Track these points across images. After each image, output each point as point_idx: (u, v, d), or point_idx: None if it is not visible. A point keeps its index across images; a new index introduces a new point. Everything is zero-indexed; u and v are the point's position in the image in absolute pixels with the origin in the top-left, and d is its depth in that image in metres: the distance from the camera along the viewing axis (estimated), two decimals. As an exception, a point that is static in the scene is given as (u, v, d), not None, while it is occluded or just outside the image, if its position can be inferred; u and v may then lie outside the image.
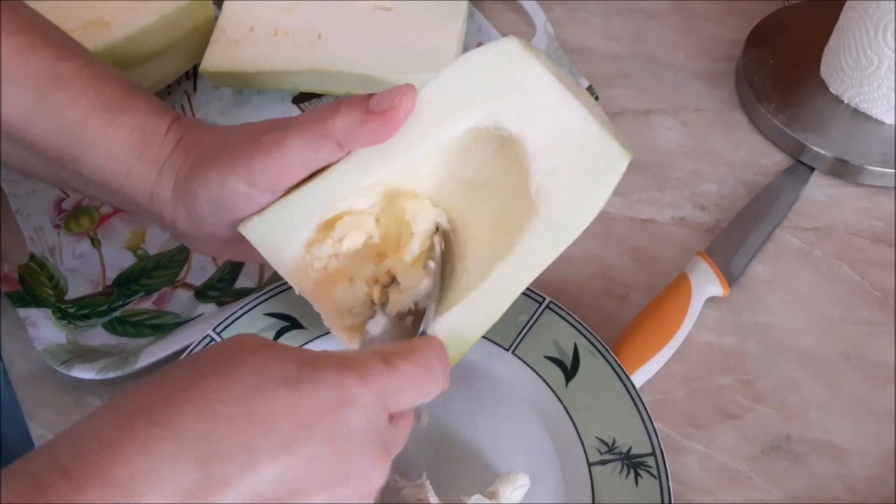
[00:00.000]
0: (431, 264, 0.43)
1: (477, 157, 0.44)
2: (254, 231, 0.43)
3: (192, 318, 0.53)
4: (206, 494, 0.28)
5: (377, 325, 0.42)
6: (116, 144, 0.43)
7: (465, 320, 0.43)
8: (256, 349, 0.33)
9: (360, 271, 0.44)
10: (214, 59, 0.61)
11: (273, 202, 0.42)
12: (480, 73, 0.42)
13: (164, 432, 0.29)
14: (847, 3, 0.61)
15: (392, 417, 0.35)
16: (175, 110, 0.46)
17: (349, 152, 0.42)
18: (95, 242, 0.57)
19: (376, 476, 0.33)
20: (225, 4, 0.64)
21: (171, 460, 0.29)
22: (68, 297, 0.54)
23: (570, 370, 0.49)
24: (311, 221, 0.43)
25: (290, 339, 0.51)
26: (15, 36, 0.43)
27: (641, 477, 0.45)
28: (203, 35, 0.63)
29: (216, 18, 0.63)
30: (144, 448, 0.29)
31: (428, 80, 0.42)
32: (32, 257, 0.56)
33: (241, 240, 0.44)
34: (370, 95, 0.41)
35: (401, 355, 0.35)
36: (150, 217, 0.46)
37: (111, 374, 0.49)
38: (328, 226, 0.43)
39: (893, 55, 0.59)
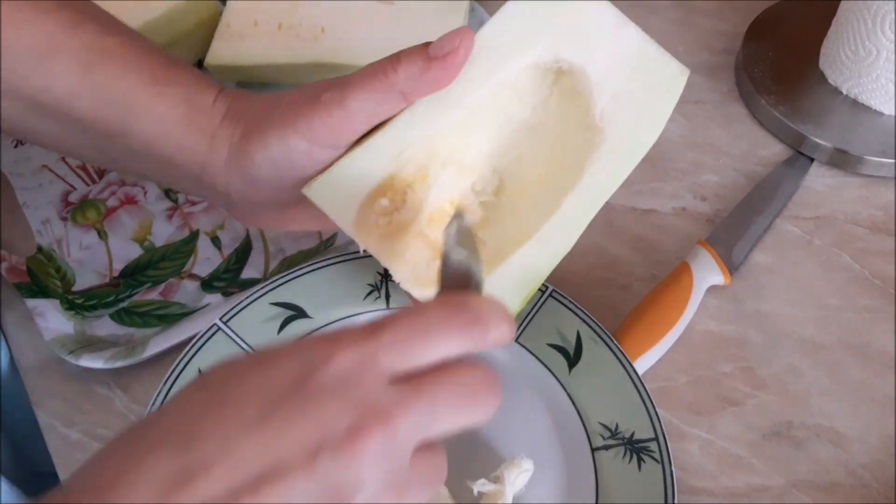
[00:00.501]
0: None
1: (534, 96, 0.44)
2: (319, 191, 0.42)
3: (199, 309, 0.54)
4: (188, 480, 0.28)
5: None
6: (164, 117, 0.43)
7: (538, 254, 0.43)
8: (231, 362, 0.32)
9: (423, 225, 0.44)
10: (219, 53, 0.62)
11: (336, 160, 0.42)
12: (535, 9, 0.42)
13: (141, 433, 0.30)
14: (845, -6, 0.62)
15: (399, 380, 0.31)
16: (217, 83, 0.45)
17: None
18: (102, 234, 0.58)
19: (371, 434, 0.29)
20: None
21: (149, 455, 0.28)
22: (75, 288, 0.55)
23: (573, 357, 0.50)
24: (377, 176, 0.42)
25: (296, 328, 0.51)
26: (61, 12, 0.43)
27: (644, 462, 0.46)
28: (208, 29, 0.63)
29: (221, 13, 0.64)
30: (124, 451, 0.29)
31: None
32: (40, 249, 0.56)
33: (297, 205, 0.43)
34: (428, 44, 0.40)
35: (397, 315, 0.31)
36: (200, 189, 0.45)
37: (119, 363, 0.50)
38: (391, 182, 0.43)
39: (892, 46, 0.59)
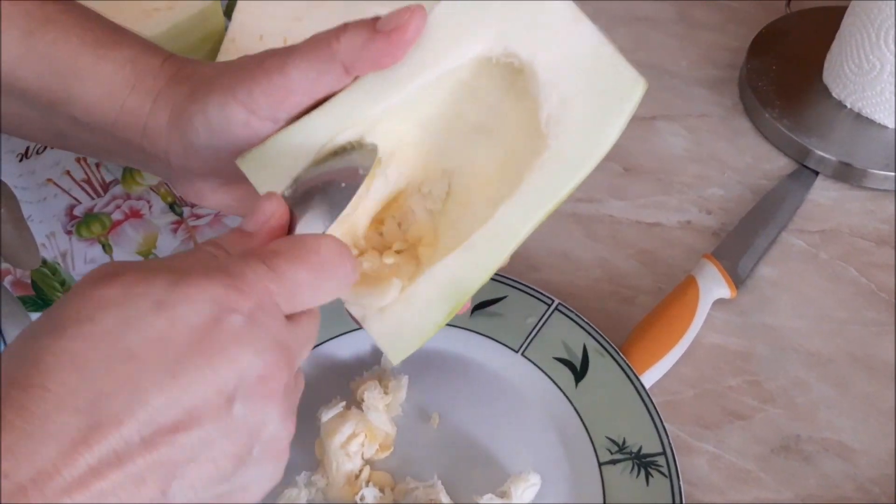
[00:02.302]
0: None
1: (487, 97, 0.41)
2: (251, 164, 0.39)
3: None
4: (99, 437, 0.27)
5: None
6: (108, 79, 0.41)
7: (465, 265, 0.39)
8: (111, 280, 0.30)
9: (358, 216, 0.41)
10: (224, 67, 0.62)
11: (273, 133, 0.39)
12: None
13: (40, 392, 0.27)
14: (849, 8, 0.62)
15: (291, 318, 0.32)
16: (165, 50, 0.43)
17: (355, 79, 0.39)
18: (107, 248, 0.58)
19: (278, 377, 0.30)
20: (235, 14, 0.64)
21: (54, 416, 0.27)
22: (80, 301, 0.55)
23: (579, 371, 0.50)
24: (312, 153, 0.39)
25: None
26: None
27: (652, 476, 0.45)
28: (213, 44, 0.63)
29: (226, 28, 0.64)
30: (24, 411, 0.27)
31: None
32: (44, 262, 0.56)
33: (236, 181, 0.41)
34: (377, 17, 0.38)
35: (287, 257, 0.32)
36: (142, 157, 0.43)
37: (124, 377, 0.49)
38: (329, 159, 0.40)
39: (895, 60, 0.59)
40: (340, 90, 0.39)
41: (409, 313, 0.39)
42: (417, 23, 0.38)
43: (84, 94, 0.41)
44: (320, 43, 0.38)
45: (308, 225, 0.36)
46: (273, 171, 0.39)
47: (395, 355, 0.40)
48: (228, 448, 0.29)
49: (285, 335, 0.31)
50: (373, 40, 0.38)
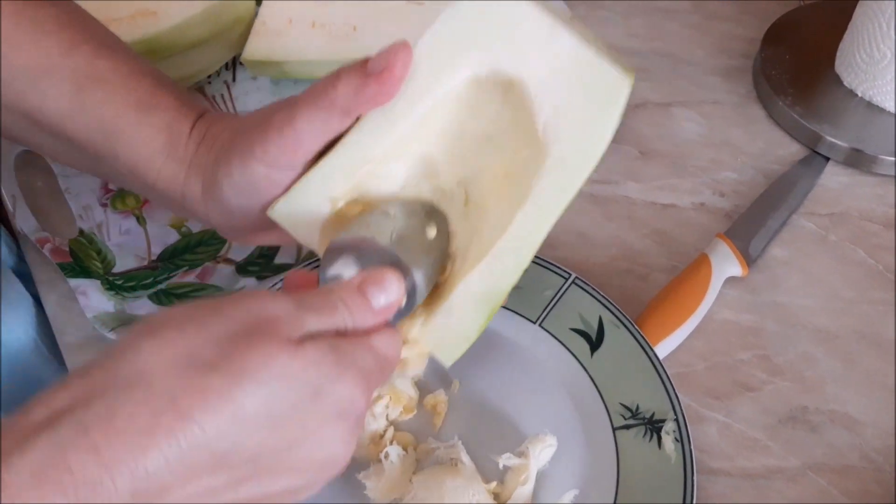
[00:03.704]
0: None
1: (486, 109, 0.43)
2: (281, 213, 0.43)
3: (234, 291, 0.56)
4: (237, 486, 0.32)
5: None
6: (147, 144, 0.44)
7: (494, 273, 0.42)
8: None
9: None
10: (255, 49, 0.64)
11: (295, 181, 0.42)
12: (470, 19, 0.41)
13: (193, 427, 0.30)
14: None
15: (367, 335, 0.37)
16: (201, 104, 0.46)
17: (358, 118, 0.42)
18: (141, 220, 0.60)
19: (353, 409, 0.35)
20: (265, -2, 0.67)
21: (194, 453, 0.30)
22: (115, 270, 0.57)
23: (595, 341, 0.52)
24: (334, 193, 0.43)
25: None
26: (60, 33, 0.44)
27: (664, 441, 0.47)
28: (244, 27, 0.66)
29: (257, 11, 0.67)
30: (172, 437, 0.30)
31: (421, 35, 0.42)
32: (81, 233, 0.59)
33: (274, 225, 0.44)
34: (367, 60, 0.40)
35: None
36: (184, 213, 0.47)
37: (158, 341, 0.52)
38: (351, 200, 0.43)
39: (906, 49, 0.61)
40: (348, 129, 0.42)
41: (452, 322, 0.43)
42: (404, 59, 0.40)
43: (127, 155, 0.44)
44: (319, 93, 0.41)
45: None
46: (303, 216, 0.43)
47: (446, 358, 0.44)
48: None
49: (366, 363, 0.36)
50: (366, 84, 0.40)
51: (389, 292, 0.38)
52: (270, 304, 0.34)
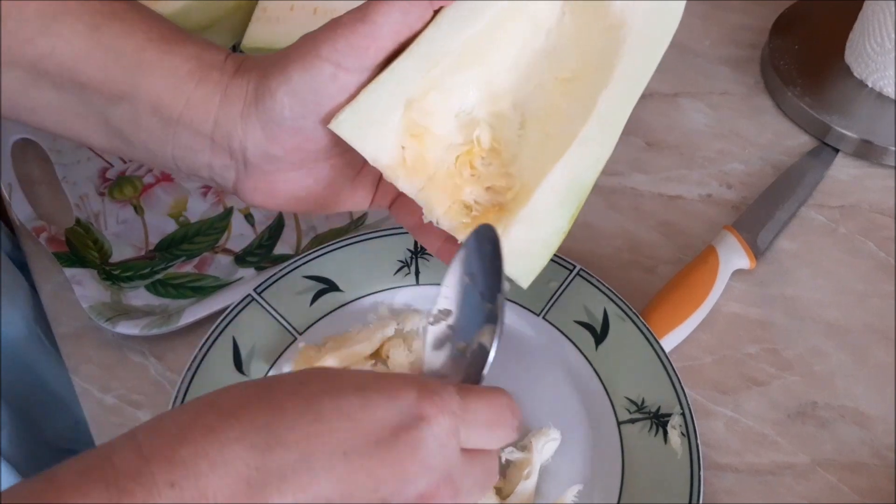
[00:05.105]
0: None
1: (548, 20, 0.43)
2: (346, 124, 0.39)
3: (233, 282, 0.55)
4: (262, 486, 0.29)
5: (436, 359, 0.40)
6: (173, 72, 0.41)
7: (579, 161, 0.41)
8: (328, 370, 0.34)
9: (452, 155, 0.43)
10: (255, 35, 0.63)
11: (362, 87, 0.39)
12: None
13: (231, 420, 0.30)
14: (872, -12, 0.63)
15: (465, 452, 0.34)
16: (227, 49, 0.43)
17: (436, 13, 0.40)
18: (138, 210, 0.59)
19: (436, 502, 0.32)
20: (265, -16, 0.66)
21: (233, 445, 0.29)
22: (112, 259, 0.56)
23: (599, 334, 0.51)
24: (406, 99, 0.40)
25: (327, 301, 0.52)
26: None
27: (670, 435, 0.46)
28: (245, 13, 0.65)
29: (257, -2, 0.66)
30: (210, 432, 0.30)
31: None
32: (78, 222, 0.58)
33: (318, 161, 0.41)
34: None
35: (476, 394, 0.35)
36: (206, 157, 0.42)
37: (154, 331, 0.51)
38: (418, 110, 0.41)
39: (918, 38, 0.60)
40: (421, 30, 0.39)
41: (531, 230, 0.41)
42: None
43: (150, 87, 0.41)
44: None
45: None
46: (372, 125, 0.39)
47: (524, 278, 0.41)
48: None
49: (457, 465, 0.33)
50: None
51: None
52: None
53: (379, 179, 0.45)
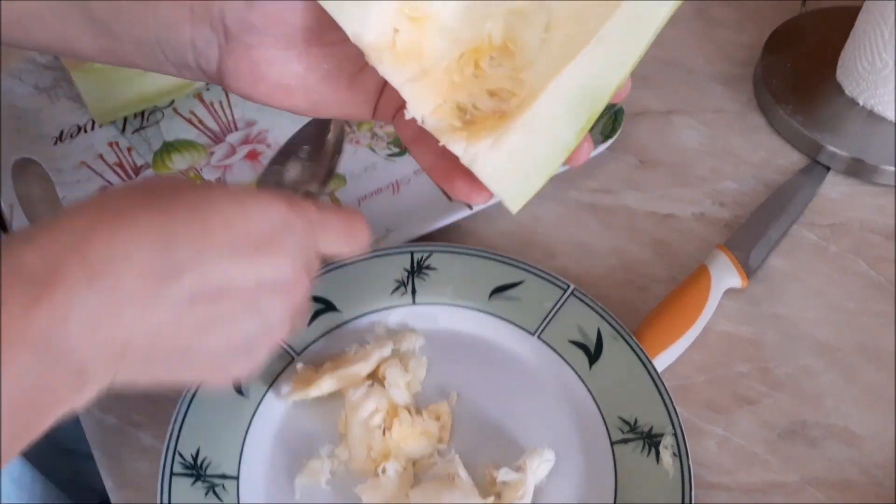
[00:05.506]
0: None
1: None
2: None
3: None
4: (165, 279, 0.33)
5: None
6: None
7: (598, 62, 0.34)
8: (191, 183, 0.38)
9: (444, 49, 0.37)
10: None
11: None
12: None
13: (130, 222, 0.33)
14: (863, 7, 0.64)
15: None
16: None
17: None
18: (138, 229, 0.60)
19: (298, 289, 0.38)
20: None
21: (138, 243, 0.33)
22: (112, 279, 0.57)
23: (593, 354, 0.51)
24: None
25: (325, 322, 0.53)
26: None
27: (662, 455, 0.47)
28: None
29: None
30: (115, 233, 0.33)
31: None
32: (78, 242, 0.58)
33: (308, 43, 0.38)
34: None
35: (333, 209, 0.41)
36: (187, 31, 0.39)
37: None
38: None
39: (908, 58, 0.61)
40: None
41: (531, 139, 0.34)
42: None
43: None
44: None
45: None
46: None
47: (513, 200, 0.35)
48: (242, 327, 0.36)
49: (314, 264, 0.39)
50: None
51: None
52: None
53: (384, 86, 0.40)
